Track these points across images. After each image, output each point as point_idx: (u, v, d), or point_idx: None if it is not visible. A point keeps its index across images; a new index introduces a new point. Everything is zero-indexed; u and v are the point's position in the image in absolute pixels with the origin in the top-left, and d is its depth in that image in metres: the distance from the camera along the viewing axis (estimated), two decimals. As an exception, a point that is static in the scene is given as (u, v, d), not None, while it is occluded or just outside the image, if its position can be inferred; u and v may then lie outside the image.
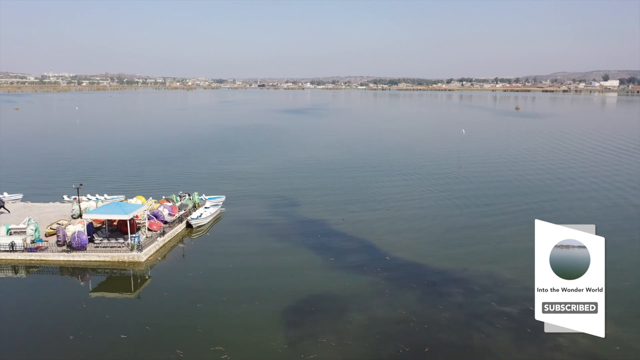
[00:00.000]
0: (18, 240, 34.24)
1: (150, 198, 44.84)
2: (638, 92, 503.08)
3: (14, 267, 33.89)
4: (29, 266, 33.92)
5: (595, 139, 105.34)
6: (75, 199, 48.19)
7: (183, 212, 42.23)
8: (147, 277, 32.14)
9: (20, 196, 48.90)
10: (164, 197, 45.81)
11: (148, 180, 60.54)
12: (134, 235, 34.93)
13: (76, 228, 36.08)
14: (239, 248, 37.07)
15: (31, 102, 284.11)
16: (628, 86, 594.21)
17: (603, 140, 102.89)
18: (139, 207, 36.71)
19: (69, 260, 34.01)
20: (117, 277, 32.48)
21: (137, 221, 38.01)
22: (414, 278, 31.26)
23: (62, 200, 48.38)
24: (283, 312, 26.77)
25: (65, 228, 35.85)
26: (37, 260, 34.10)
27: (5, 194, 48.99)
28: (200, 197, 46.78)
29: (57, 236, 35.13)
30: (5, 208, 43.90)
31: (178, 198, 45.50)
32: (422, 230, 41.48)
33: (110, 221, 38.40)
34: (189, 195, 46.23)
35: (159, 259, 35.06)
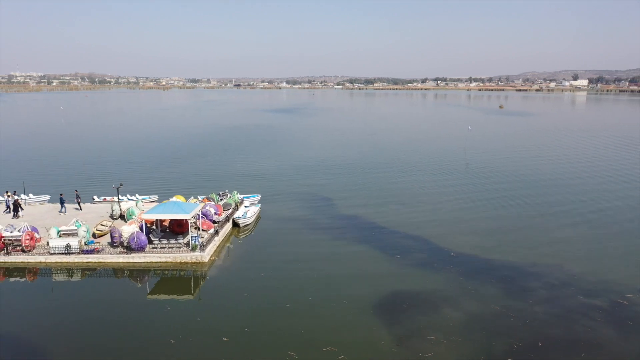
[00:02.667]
0: (74, 242, 32.82)
1: (192, 197, 43.74)
2: (608, 91, 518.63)
3: (69, 270, 32.45)
4: (86, 269, 32.55)
5: (590, 135, 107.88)
6: (105, 199, 46.92)
7: (230, 211, 41.26)
8: (215, 278, 31.07)
9: (47, 197, 47.08)
10: (198, 196, 44.78)
11: (169, 180, 59.16)
12: (194, 235, 33.86)
13: (131, 229, 34.88)
14: (295, 246, 36.40)
15: (5, 102, 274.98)
16: (597, 85, 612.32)
17: (598, 136, 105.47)
18: (196, 206, 35.66)
19: (129, 262, 32.79)
20: (183, 278, 31.38)
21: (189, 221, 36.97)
22: (488, 273, 31.15)
23: (92, 201, 46.69)
24: (376, 309, 26.29)
25: (119, 229, 34.55)
26: (95, 262, 32.76)
27: (31, 195, 47.20)
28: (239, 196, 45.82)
29: (112, 237, 33.81)
30: (80, 205, 42.75)
31: (218, 197, 44.47)
32: (468, 224, 41.42)
33: (161, 221, 37.34)
34: (229, 193, 45.20)
35: (216, 258, 34.11)
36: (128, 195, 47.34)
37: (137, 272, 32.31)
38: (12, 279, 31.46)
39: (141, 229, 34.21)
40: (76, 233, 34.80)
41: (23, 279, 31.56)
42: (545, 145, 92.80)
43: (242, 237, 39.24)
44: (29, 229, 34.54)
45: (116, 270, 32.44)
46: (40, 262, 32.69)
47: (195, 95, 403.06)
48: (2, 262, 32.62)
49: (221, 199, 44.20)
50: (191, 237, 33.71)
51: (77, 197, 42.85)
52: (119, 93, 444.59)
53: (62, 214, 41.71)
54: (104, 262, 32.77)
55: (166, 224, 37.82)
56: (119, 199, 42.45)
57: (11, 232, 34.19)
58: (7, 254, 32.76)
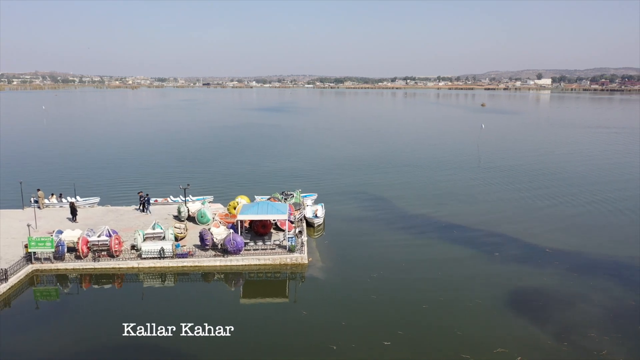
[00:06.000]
0: (167, 245, 31.15)
1: (258, 197, 42.37)
2: (571, 89, 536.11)
3: (161, 274, 30.75)
4: (179, 273, 30.91)
5: (602, 132, 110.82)
6: (156, 201, 45.09)
7: (303, 211, 40.12)
8: (322, 280, 29.84)
9: (97, 199, 44.79)
10: (256, 196, 43.54)
11: (208, 181, 57.29)
12: (290, 236, 32.67)
13: (221, 230, 33.52)
14: (383, 246, 35.62)
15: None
16: (560, 84, 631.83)
17: (607, 132, 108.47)
18: (286, 206, 34.44)
19: (226, 265, 31.34)
20: (282, 281, 30.37)
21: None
22: (595, 268, 31.23)
23: (146, 203, 44.56)
24: (515, 308, 25.88)
25: (209, 231, 33.05)
26: (191, 266, 31.16)
27: (78, 197, 44.82)
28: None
29: (204, 239, 32.26)
30: (148, 206, 40.71)
31: (282, 197, 43.21)
32: (541, 220, 41.73)
33: (241, 222, 35.90)
34: (294, 193, 43.98)
35: (312, 259, 32.88)
36: (181, 197, 45.42)
37: (232, 275, 30.98)
38: (97, 286, 29.63)
39: (235, 230, 32.78)
40: (162, 236, 33.16)
41: (109, 286, 29.78)
42: (563, 141, 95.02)
43: (316, 237, 38.14)
44: (111, 233, 32.63)
45: (207, 274, 31.00)
46: (133, 268, 30.85)
47: (168, 95, 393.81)
48: (90, 269, 30.65)
49: (285, 199, 42.89)
50: (287, 238, 32.51)
51: (141, 198, 41.03)
52: (88, 92, 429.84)
53: (145, 214, 40.28)
54: (200, 266, 31.22)
55: (247, 224, 36.42)
56: (185, 200, 40.74)
57: (92, 236, 32.26)
58: (95, 259, 30.79)
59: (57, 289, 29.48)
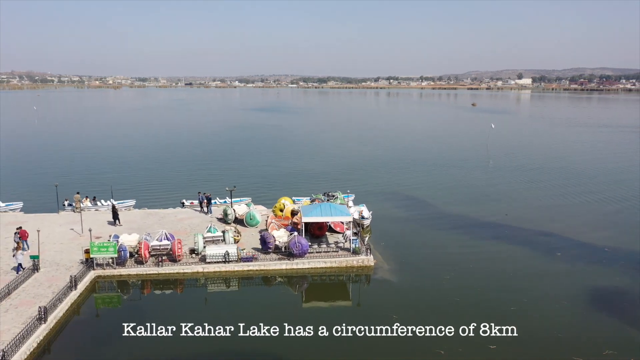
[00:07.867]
0: (232, 249, 30.32)
1: (303, 199, 41.68)
2: (552, 89, 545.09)
3: (226, 279, 29.93)
4: (244, 277, 30.11)
5: (588, 130, 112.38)
6: (192, 203, 44.10)
7: (353, 212, 39.46)
8: (394, 282, 29.28)
9: (133, 202, 43.59)
10: (293, 198, 42.86)
11: (233, 182, 56.17)
12: (354, 238, 32.10)
13: (281, 233, 32.80)
14: (438, 245, 35.63)
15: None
16: (541, 84, 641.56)
17: (595, 129, 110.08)
18: (346, 208, 33.88)
19: (292, 269, 30.62)
20: (353, 283, 29.93)
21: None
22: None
23: (182, 206, 43.58)
24: (601, 308, 25.92)
25: (270, 234, 32.30)
26: (256, 270, 30.36)
27: (113, 200, 43.53)
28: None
29: (267, 242, 31.51)
30: (207, 205, 40.19)
31: (325, 198, 42.58)
32: (583, 218, 42.27)
33: (295, 223, 35.31)
34: (336, 194, 43.36)
35: (375, 261, 32.20)
36: (218, 199, 44.52)
37: (297, 279, 30.36)
38: (158, 291, 28.73)
39: (299, 232, 32.12)
40: (220, 239, 32.33)
41: (170, 291, 28.84)
42: (572, 139, 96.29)
43: (367, 238, 37.48)
44: (169, 237, 31.66)
45: (271, 278, 30.27)
46: (197, 273, 29.94)
47: (153, 94, 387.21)
48: (154, 274, 29.65)
49: (328, 200, 42.23)
50: (351, 240, 31.94)
51: (203, 199, 40.25)
52: (70, 92, 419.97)
53: (204, 215, 39.97)
54: (266, 270, 30.45)
55: (300, 226, 35.72)
56: (231, 202, 39.85)
57: (151, 240, 31.27)
58: (158, 264, 29.79)
59: (119, 296, 28.56)
